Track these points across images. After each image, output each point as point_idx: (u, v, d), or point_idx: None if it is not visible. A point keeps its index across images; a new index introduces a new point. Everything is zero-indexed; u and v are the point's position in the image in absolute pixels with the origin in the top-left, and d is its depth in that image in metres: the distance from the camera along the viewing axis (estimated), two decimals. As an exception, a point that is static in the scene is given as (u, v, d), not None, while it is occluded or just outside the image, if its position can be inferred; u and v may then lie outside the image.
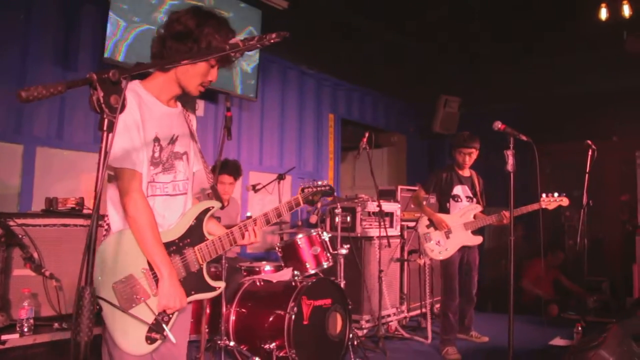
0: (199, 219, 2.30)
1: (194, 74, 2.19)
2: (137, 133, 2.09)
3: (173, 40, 2.15)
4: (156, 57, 2.21)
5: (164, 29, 2.19)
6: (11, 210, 4.37)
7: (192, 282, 2.22)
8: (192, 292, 2.22)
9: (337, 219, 5.23)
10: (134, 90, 2.12)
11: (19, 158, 4.78)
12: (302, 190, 2.70)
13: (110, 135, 1.45)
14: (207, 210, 2.32)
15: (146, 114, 2.14)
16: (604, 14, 5.39)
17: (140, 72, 1.61)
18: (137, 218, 2.07)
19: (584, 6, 5.48)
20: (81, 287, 1.41)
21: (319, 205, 5.10)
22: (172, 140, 2.27)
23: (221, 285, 2.32)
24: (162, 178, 2.23)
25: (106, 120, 1.44)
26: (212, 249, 2.28)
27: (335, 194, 4.87)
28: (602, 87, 7.79)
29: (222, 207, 2.41)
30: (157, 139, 2.19)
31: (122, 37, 5.01)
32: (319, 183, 2.71)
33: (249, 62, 6.26)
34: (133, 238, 2.10)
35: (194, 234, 2.26)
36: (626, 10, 5.35)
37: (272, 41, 1.80)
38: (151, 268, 2.12)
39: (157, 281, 2.11)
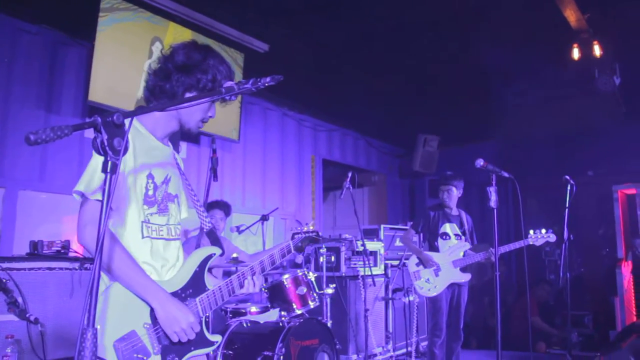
0: (202, 266, 2.14)
1: (198, 109, 2.12)
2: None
3: (180, 72, 2.09)
4: (157, 92, 2.12)
5: (167, 63, 2.12)
6: (-9, 254, 4.30)
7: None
8: (192, 349, 2.03)
9: (321, 259, 5.23)
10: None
11: (0, 201, 4.74)
12: (293, 236, 2.53)
13: (114, 177, 1.47)
14: (209, 257, 2.17)
15: (137, 144, 2.02)
16: (576, 53, 5.63)
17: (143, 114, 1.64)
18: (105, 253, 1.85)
19: (558, 46, 5.70)
20: (83, 327, 1.41)
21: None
22: (166, 180, 2.14)
23: (218, 339, 2.15)
24: (157, 220, 2.09)
25: (109, 163, 1.46)
26: (212, 300, 2.11)
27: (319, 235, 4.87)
28: (576, 124, 7.97)
29: (222, 254, 2.24)
30: (150, 176, 2.07)
31: (104, 79, 5.02)
32: (307, 229, 2.54)
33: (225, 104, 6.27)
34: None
35: (197, 284, 2.11)
36: (597, 50, 5.59)
37: (266, 84, 1.78)
38: (154, 323, 1.94)
39: (159, 338, 1.94)
